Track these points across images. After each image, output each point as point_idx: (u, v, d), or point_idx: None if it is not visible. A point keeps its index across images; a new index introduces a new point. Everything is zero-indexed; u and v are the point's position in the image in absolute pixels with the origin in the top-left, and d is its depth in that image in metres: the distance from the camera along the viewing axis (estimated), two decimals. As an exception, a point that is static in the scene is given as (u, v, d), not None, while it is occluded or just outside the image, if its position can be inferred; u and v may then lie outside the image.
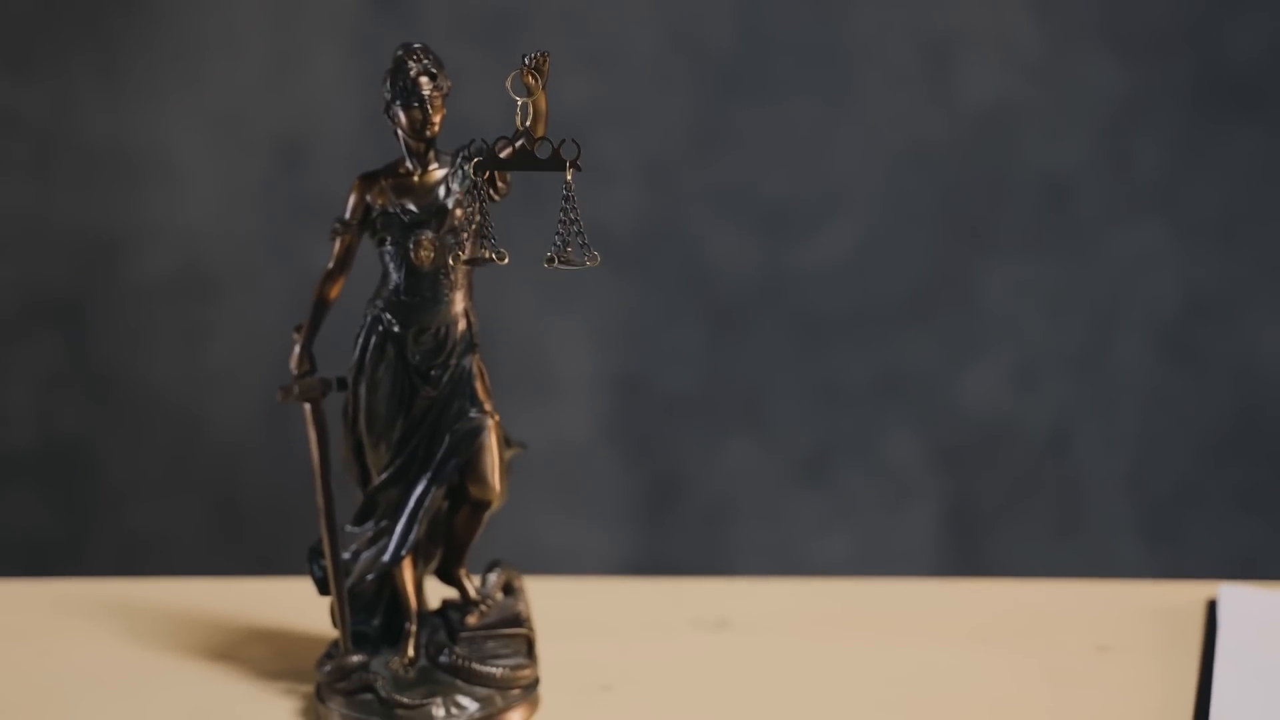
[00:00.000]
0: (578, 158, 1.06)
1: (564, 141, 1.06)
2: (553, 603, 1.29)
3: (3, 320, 1.99)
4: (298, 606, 1.31)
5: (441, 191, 1.13)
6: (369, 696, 1.14)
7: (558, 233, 1.06)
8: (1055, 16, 1.96)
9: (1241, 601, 1.28)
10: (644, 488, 2.05)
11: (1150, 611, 1.32)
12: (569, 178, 1.06)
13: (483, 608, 1.18)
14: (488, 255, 1.08)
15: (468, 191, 1.10)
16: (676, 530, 2.05)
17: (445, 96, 1.12)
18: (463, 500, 1.17)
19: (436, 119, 1.12)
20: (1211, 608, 1.29)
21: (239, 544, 1.97)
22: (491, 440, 1.16)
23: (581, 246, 1.06)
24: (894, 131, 1.97)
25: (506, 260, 1.08)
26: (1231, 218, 1.99)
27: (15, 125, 1.95)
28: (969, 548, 2.03)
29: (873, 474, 2.04)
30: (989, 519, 2.04)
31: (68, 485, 2.03)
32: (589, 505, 2.05)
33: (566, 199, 1.06)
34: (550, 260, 1.07)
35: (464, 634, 1.17)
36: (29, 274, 1.98)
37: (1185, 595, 1.33)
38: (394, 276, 1.14)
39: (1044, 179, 1.98)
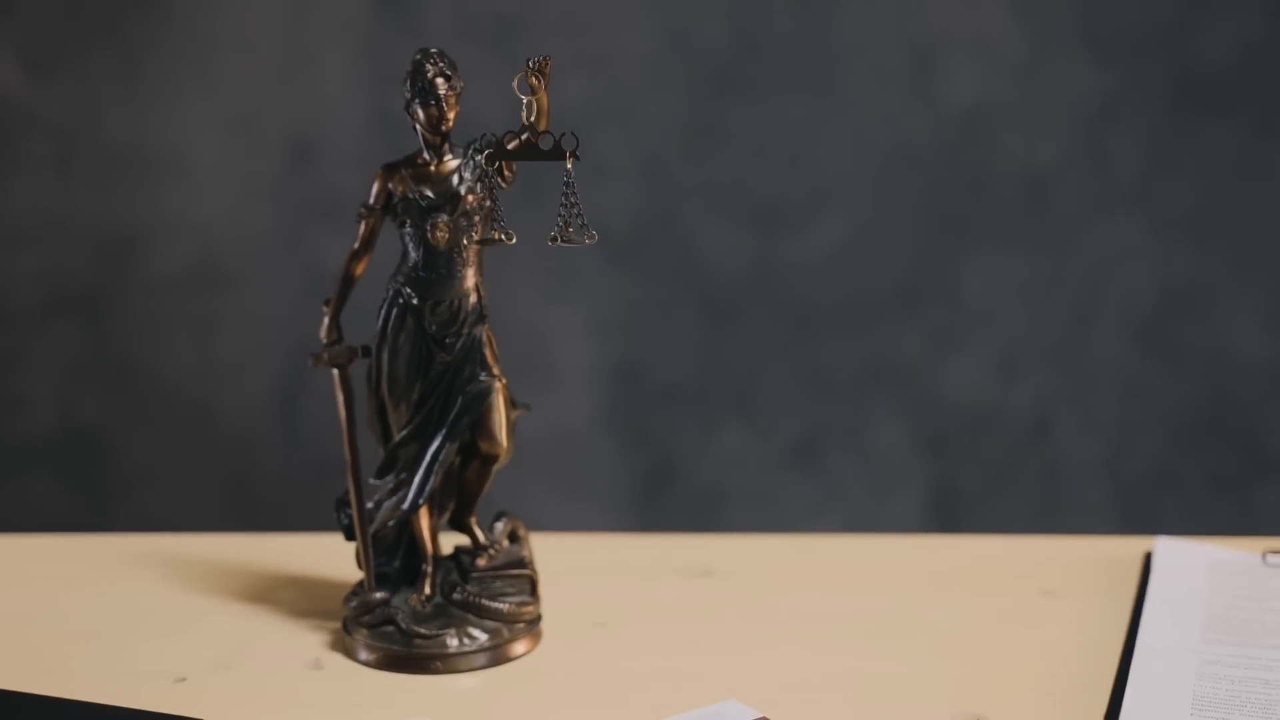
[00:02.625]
0: (576, 148, 1.22)
1: (564, 134, 1.23)
2: (553, 555, 1.45)
3: (24, 312, 2.11)
4: (321, 559, 1.49)
5: (455, 179, 1.29)
6: (391, 629, 1.31)
7: (559, 214, 1.22)
8: (1035, 20, 2.08)
9: (1175, 553, 1.46)
10: (640, 473, 2.17)
11: (1095, 562, 1.48)
12: (569, 166, 1.22)
13: (491, 551, 1.35)
14: (497, 236, 1.25)
15: (480, 180, 1.27)
16: (671, 513, 2.17)
17: (458, 95, 1.29)
18: (473, 455, 1.35)
19: (451, 115, 1.29)
20: (1148, 558, 1.47)
21: (251, 527, 2.08)
22: (499, 401, 1.33)
23: (581, 227, 1.23)
24: (880, 130, 2.10)
25: (514, 240, 1.25)
26: (1204, 213, 2.11)
27: (36, 124, 2.07)
28: (952, 530, 2.14)
29: (860, 460, 2.16)
30: (972, 502, 2.17)
31: (86, 471, 2.15)
32: (587, 490, 2.17)
33: (567, 185, 1.23)
34: (554, 239, 1.23)
35: (474, 574, 1.34)
36: (49, 268, 2.10)
37: (1128, 548, 1.50)
38: (413, 255, 1.30)
39: (1024, 176, 2.11)
